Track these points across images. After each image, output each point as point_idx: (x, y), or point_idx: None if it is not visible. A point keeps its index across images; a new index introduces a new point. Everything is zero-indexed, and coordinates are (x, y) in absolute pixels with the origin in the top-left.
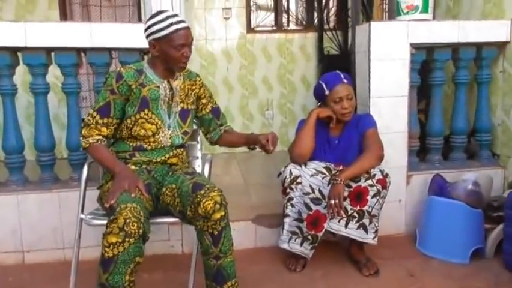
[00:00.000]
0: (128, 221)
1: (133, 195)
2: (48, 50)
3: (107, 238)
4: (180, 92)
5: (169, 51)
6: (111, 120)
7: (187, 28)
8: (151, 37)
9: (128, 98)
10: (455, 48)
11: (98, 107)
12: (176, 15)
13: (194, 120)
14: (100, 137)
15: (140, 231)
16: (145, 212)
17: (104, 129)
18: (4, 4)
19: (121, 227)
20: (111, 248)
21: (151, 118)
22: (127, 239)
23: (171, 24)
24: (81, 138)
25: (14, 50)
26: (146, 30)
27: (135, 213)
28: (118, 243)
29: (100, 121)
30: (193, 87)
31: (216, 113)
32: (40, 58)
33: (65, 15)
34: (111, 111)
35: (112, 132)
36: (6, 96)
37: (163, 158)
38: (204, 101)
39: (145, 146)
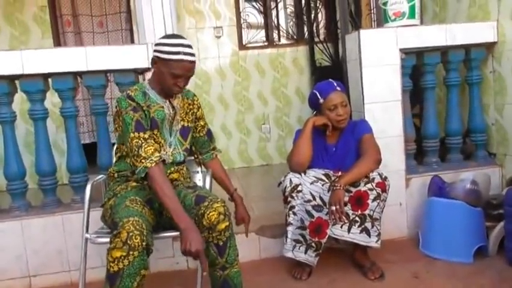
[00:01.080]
0: (131, 234)
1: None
2: (45, 76)
3: (111, 253)
4: (180, 110)
5: (165, 75)
6: (150, 133)
7: (192, 62)
8: (156, 53)
9: (145, 115)
10: (444, 51)
11: (132, 128)
12: (189, 46)
13: None
14: (158, 154)
15: (144, 243)
16: (148, 225)
17: (153, 142)
18: None
19: (124, 240)
20: (116, 262)
21: (157, 138)
22: (131, 252)
23: (178, 53)
24: (142, 160)
25: (11, 78)
26: (156, 44)
27: (137, 227)
28: (122, 257)
29: (146, 136)
30: (192, 107)
31: (210, 134)
32: (38, 84)
33: (58, 43)
34: (144, 125)
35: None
36: (6, 124)
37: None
38: (202, 122)
39: None
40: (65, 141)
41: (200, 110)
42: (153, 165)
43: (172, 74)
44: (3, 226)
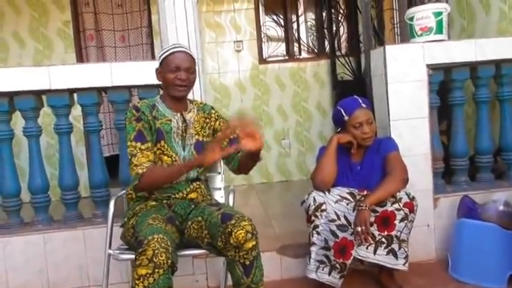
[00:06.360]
0: (156, 252)
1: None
2: (71, 91)
3: (136, 270)
4: (195, 124)
5: (166, 74)
6: (150, 144)
7: (183, 52)
8: (158, 66)
9: (151, 126)
10: (473, 66)
11: (132, 137)
12: (180, 45)
13: None
14: (151, 163)
15: (169, 261)
16: (172, 243)
17: (149, 153)
18: (23, 51)
19: (150, 258)
20: (141, 280)
21: (166, 150)
22: (156, 270)
23: (169, 49)
24: (134, 167)
25: (38, 93)
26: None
27: (163, 244)
28: (147, 275)
29: (143, 147)
30: (209, 120)
31: (235, 143)
32: (63, 99)
33: (81, 57)
34: (146, 136)
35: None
36: (32, 138)
37: (181, 194)
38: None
39: None
40: (85, 154)
41: (218, 122)
42: (144, 170)
43: (170, 70)
44: (26, 239)
